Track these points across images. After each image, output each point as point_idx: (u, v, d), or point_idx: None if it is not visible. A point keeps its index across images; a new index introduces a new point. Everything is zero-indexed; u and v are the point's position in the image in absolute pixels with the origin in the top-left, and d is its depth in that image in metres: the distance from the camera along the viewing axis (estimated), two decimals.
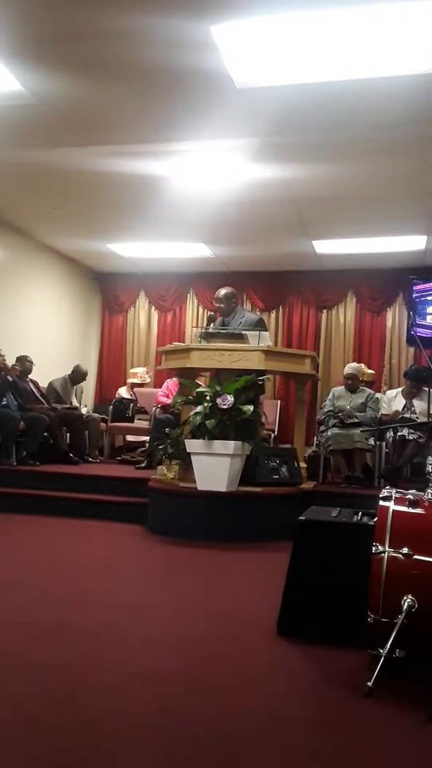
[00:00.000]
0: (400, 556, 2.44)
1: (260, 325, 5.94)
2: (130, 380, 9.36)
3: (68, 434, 7.52)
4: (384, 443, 6.71)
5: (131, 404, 8.57)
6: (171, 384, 7.67)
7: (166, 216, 7.27)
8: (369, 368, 8.23)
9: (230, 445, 5.06)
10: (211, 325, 6.30)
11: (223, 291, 6.19)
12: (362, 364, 8.22)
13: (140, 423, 8.40)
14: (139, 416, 8.53)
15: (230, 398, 5.09)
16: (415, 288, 8.68)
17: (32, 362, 7.51)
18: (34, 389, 7.59)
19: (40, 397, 7.56)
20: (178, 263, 9.30)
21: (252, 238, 8.10)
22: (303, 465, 5.99)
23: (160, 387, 8.22)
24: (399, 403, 6.65)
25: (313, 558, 2.96)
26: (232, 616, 3.25)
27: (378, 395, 7.08)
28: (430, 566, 2.42)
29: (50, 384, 7.95)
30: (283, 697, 2.34)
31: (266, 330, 5.96)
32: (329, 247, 8.16)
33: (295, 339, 9.47)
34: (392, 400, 6.73)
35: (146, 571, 4.26)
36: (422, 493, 2.75)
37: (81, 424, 7.65)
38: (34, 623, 2.98)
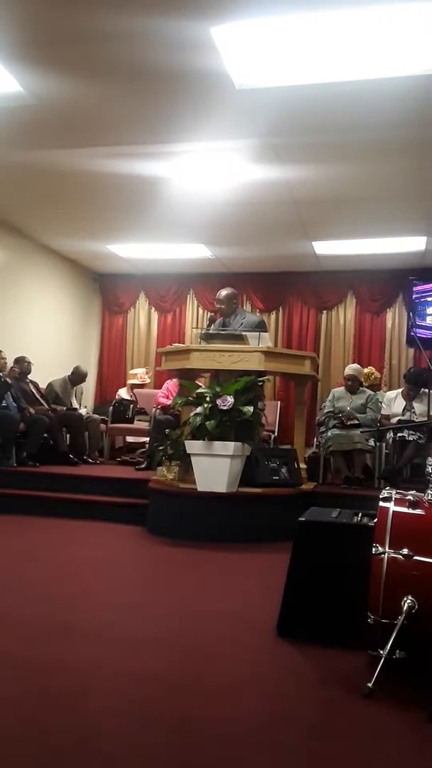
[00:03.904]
0: (400, 557, 2.44)
1: (261, 327, 5.94)
2: (129, 381, 9.36)
3: (68, 435, 7.52)
4: (384, 444, 6.71)
5: (131, 405, 8.57)
6: (171, 385, 7.67)
7: (165, 217, 7.27)
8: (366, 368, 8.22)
9: (230, 446, 5.06)
10: (212, 326, 6.30)
11: (224, 292, 6.19)
12: (371, 367, 8.23)
13: (140, 424, 8.40)
14: (139, 417, 8.52)
15: (230, 399, 5.09)
16: (415, 289, 8.68)
17: (30, 363, 7.51)
18: (33, 390, 7.59)
19: (39, 398, 7.56)
20: (178, 264, 9.30)
21: (252, 239, 8.11)
22: (303, 466, 5.99)
23: (160, 388, 8.22)
24: (399, 405, 6.66)
25: (313, 559, 2.96)
26: (232, 616, 3.25)
27: (378, 396, 7.08)
28: (430, 567, 2.42)
29: (50, 385, 7.95)
30: (283, 697, 2.34)
31: (267, 331, 5.95)
32: (329, 248, 8.16)
33: (295, 340, 9.46)
34: (392, 402, 6.73)
35: (146, 572, 4.26)
36: (422, 494, 2.75)
37: (81, 425, 7.65)
38: (35, 623, 2.98)
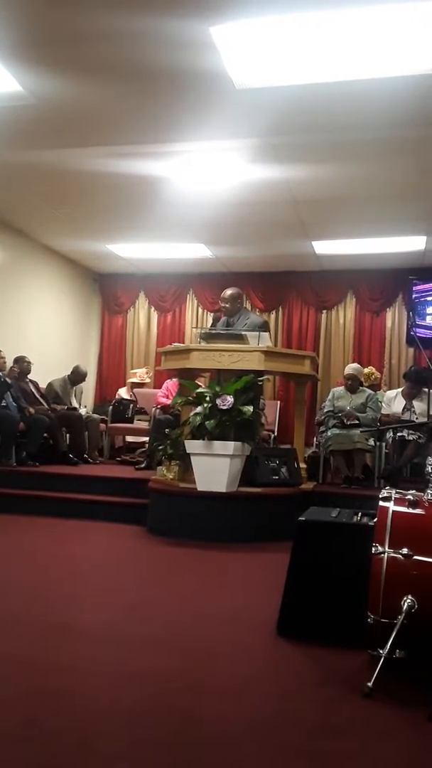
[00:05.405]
0: (400, 556, 2.44)
1: (264, 328, 5.91)
2: (129, 380, 9.36)
3: (68, 435, 7.52)
4: (384, 444, 6.71)
5: (131, 405, 8.57)
6: (171, 385, 7.68)
7: (165, 216, 7.28)
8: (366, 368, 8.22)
9: (230, 446, 5.06)
10: (216, 325, 6.28)
11: (228, 291, 6.17)
12: (371, 367, 8.22)
13: (140, 424, 8.40)
14: (139, 417, 8.53)
15: (230, 399, 5.09)
16: (414, 288, 8.68)
17: (30, 362, 7.51)
18: (33, 390, 7.59)
19: (39, 398, 7.56)
20: (178, 264, 9.30)
21: (251, 239, 8.11)
22: (303, 465, 5.99)
23: (160, 388, 8.22)
24: (399, 404, 6.65)
25: (312, 558, 2.96)
26: (232, 616, 3.25)
27: (378, 395, 7.08)
28: (430, 567, 2.42)
29: (49, 385, 7.95)
30: (283, 696, 2.34)
31: (269, 332, 5.94)
32: (329, 247, 8.17)
33: (295, 339, 9.47)
34: (392, 401, 6.73)
35: (146, 572, 4.26)
36: (422, 494, 2.75)
37: (81, 424, 7.65)
38: (34, 623, 2.98)
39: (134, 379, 9.26)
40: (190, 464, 5.29)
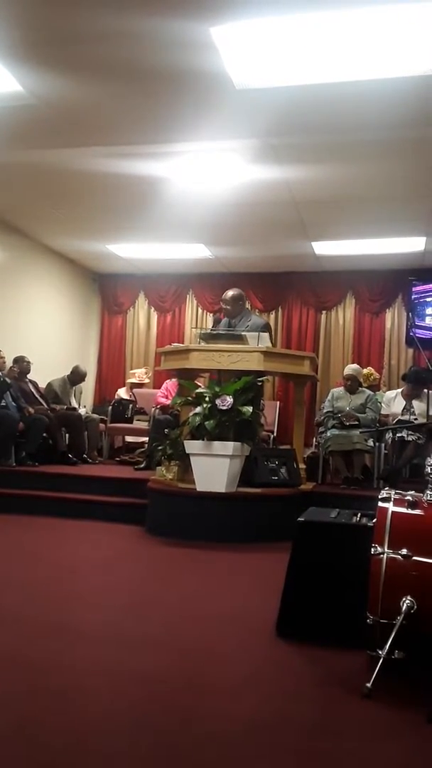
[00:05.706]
0: (399, 557, 2.44)
1: (265, 330, 5.90)
2: (129, 381, 9.36)
3: (67, 435, 7.52)
4: (383, 444, 6.71)
5: (130, 405, 8.57)
6: (170, 385, 7.68)
7: (165, 217, 7.28)
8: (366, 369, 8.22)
9: (229, 446, 5.06)
10: (218, 325, 6.26)
11: (230, 293, 6.15)
12: (370, 368, 8.23)
13: (139, 424, 8.40)
14: (138, 417, 8.53)
15: (229, 399, 5.09)
16: (414, 289, 8.69)
17: (30, 362, 7.51)
18: (33, 390, 7.59)
19: (39, 398, 7.56)
20: (178, 264, 9.30)
21: (251, 239, 8.11)
22: (302, 466, 5.99)
23: (159, 388, 8.22)
24: (398, 405, 6.65)
25: (312, 559, 2.96)
26: (231, 616, 3.25)
27: (377, 396, 7.07)
28: (429, 567, 2.42)
29: (49, 385, 7.95)
30: (282, 697, 2.34)
31: (272, 335, 5.92)
32: (328, 248, 8.17)
33: (295, 340, 9.47)
34: (391, 402, 6.73)
35: (145, 572, 4.26)
36: (421, 495, 2.75)
37: (80, 424, 7.65)
38: (33, 623, 2.98)
39: (133, 380, 9.26)
40: (189, 464, 5.29)
